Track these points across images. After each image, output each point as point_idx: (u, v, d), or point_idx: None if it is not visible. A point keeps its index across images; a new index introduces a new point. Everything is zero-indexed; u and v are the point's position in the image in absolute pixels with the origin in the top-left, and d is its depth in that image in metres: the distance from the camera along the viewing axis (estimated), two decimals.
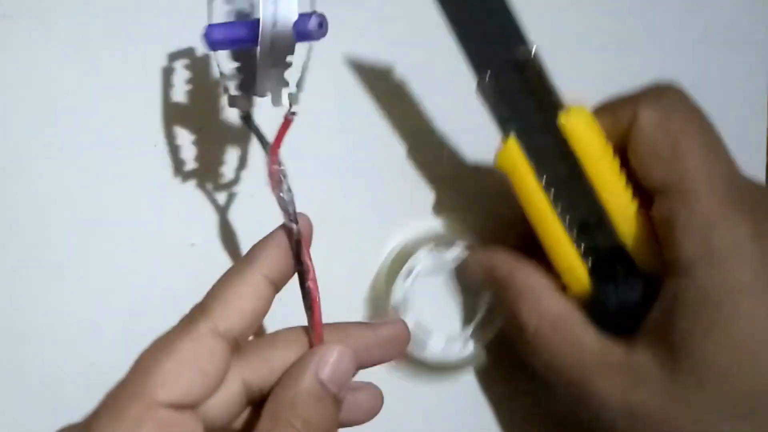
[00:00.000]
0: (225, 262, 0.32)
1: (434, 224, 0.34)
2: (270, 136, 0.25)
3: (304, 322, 0.26)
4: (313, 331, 0.26)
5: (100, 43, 0.32)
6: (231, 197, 0.32)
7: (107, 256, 0.31)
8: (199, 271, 0.31)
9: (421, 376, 0.33)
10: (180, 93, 0.32)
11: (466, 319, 0.33)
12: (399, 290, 0.32)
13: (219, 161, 0.32)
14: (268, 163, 0.25)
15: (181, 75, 0.31)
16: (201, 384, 0.24)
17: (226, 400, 0.25)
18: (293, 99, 0.25)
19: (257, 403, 0.26)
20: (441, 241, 0.32)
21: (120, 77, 0.32)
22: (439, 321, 0.32)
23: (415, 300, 0.32)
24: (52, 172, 0.31)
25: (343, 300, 0.32)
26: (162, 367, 0.23)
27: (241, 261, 0.26)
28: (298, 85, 0.25)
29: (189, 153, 0.32)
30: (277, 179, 0.25)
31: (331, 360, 0.25)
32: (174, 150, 0.32)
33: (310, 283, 0.26)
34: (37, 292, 0.31)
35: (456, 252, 0.32)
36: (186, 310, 0.30)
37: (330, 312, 0.26)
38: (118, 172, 0.32)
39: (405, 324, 0.28)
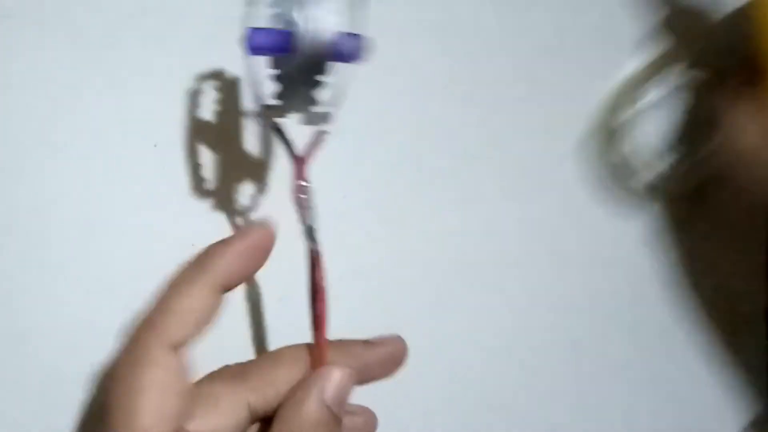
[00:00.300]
0: None
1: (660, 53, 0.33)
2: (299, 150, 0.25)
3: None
4: (318, 352, 0.26)
5: (100, 43, 0.32)
6: (234, 208, 0.32)
7: (107, 256, 0.31)
8: None
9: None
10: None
11: (687, 151, 0.34)
12: (625, 117, 0.31)
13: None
14: (294, 177, 0.24)
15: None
16: (179, 405, 0.24)
17: (232, 426, 0.25)
18: (327, 118, 0.24)
19: (262, 419, 0.26)
20: (667, 70, 0.32)
21: (120, 77, 0.32)
22: (658, 150, 0.32)
23: (640, 128, 0.32)
24: (52, 172, 0.31)
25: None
26: (139, 404, 0.23)
27: (193, 267, 0.25)
28: (334, 105, 0.23)
29: (209, 172, 0.32)
30: (300, 195, 0.25)
31: (335, 383, 0.25)
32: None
33: (319, 304, 0.25)
34: (37, 292, 0.31)
35: (682, 80, 0.32)
36: None
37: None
38: (118, 172, 0.32)
39: (403, 342, 0.28)
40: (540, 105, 0.35)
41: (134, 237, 0.32)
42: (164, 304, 0.24)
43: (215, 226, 0.32)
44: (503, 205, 0.34)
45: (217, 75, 0.31)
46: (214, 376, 0.26)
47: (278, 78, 0.24)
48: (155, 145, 0.32)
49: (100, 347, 0.31)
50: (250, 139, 0.32)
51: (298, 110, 0.24)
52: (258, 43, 0.23)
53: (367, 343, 0.28)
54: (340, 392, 0.25)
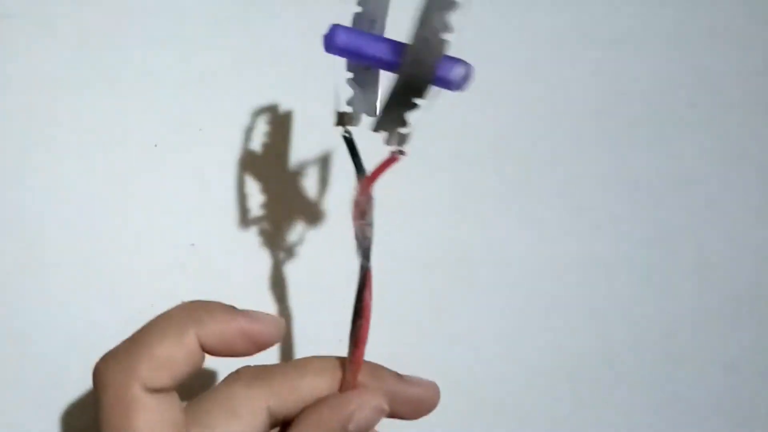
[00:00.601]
0: (225, 262, 0.32)
1: None
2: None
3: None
4: (352, 370, 0.25)
5: (100, 43, 0.32)
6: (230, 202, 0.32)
7: (107, 256, 0.31)
8: (199, 271, 0.32)
9: None
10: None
11: None
12: None
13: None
14: (358, 191, 0.23)
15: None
16: None
17: (250, 430, 0.24)
18: (405, 139, 0.22)
19: (281, 424, 0.25)
20: None
21: (120, 77, 0.32)
22: None
23: None
24: (52, 172, 0.31)
25: None
26: None
27: (186, 316, 0.24)
28: (412, 125, 0.22)
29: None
30: (361, 210, 0.23)
31: (365, 414, 0.24)
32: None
33: (363, 323, 0.25)
34: (37, 292, 0.31)
35: None
36: None
37: None
38: (118, 172, 0.32)
39: (437, 390, 0.27)
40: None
41: (134, 237, 0.32)
42: (146, 348, 0.23)
43: (216, 225, 0.32)
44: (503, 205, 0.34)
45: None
46: (233, 379, 0.25)
47: (355, 82, 0.23)
48: (155, 145, 0.32)
49: (100, 347, 0.31)
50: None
51: (384, 127, 0.22)
52: (341, 44, 0.21)
53: (401, 377, 0.26)
54: (367, 423, 0.24)
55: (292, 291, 0.32)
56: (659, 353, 0.34)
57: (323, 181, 0.33)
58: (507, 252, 0.34)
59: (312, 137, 0.32)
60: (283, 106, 0.33)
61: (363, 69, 0.23)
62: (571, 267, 0.34)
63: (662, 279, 0.34)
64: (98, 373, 0.23)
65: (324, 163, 0.33)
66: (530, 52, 0.35)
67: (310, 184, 0.33)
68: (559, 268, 0.34)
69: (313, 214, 0.32)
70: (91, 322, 0.31)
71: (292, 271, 0.32)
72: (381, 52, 0.21)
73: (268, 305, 0.32)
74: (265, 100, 0.33)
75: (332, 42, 0.21)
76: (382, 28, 0.23)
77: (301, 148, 0.32)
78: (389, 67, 0.21)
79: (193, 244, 0.32)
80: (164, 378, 0.23)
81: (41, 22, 0.31)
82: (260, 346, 0.25)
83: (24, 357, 0.30)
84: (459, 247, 0.34)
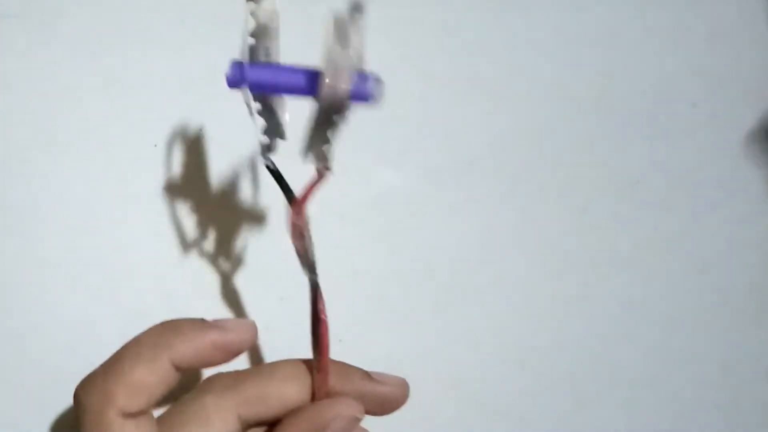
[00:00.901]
0: (225, 262, 0.32)
1: None
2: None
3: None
4: (320, 379, 0.26)
5: (100, 42, 0.32)
6: (233, 206, 0.32)
7: (107, 255, 0.31)
8: (198, 271, 0.32)
9: None
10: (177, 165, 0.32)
11: None
12: None
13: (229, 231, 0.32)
14: (292, 215, 0.24)
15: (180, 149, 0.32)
16: None
17: None
18: (328, 155, 0.23)
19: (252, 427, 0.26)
20: None
21: (120, 77, 0.32)
22: None
23: None
24: (52, 172, 0.31)
25: None
26: None
27: (158, 337, 0.24)
28: (333, 141, 0.23)
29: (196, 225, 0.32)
30: (298, 233, 0.24)
31: (341, 426, 0.25)
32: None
33: (322, 333, 0.25)
34: (36, 292, 0.31)
35: None
36: (185, 309, 0.30)
37: None
38: (118, 172, 0.32)
39: (407, 386, 0.27)
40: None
41: (134, 237, 0.32)
42: (121, 374, 0.24)
43: (215, 225, 0.32)
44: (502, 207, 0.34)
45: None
46: (205, 388, 0.26)
47: (263, 112, 0.23)
48: (155, 145, 0.32)
49: (100, 347, 0.31)
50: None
51: (309, 149, 0.23)
52: (259, 80, 0.22)
53: (368, 375, 0.27)
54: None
55: (293, 291, 0.32)
56: (659, 353, 0.34)
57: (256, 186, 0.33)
58: (507, 252, 0.34)
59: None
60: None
61: (265, 98, 0.23)
62: (571, 267, 0.34)
63: (662, 279, 0.34)
64: (78, 397, 0.24)
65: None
66: (529, 52, 0.35)
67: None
68: (559, 268, 0.34)
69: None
70: (90, 322, 0.31)
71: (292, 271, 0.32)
72: (294, 82, 0.22)
73: (266, 308, 0.32)
74: None
75: (241, 79, 0.22)
76: (277, 53, 0.23)
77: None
78: (304, 94, 0.22)
79: (193, 244, 0.32)
80: (140, 402, 0.23)
81: (41, 22, 0.31)
82: (235, 354, 0.25)
83: (23, 357, 0.30)
84: (459, 247, 0.34)
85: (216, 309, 0.31)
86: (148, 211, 0.32)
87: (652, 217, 0.35)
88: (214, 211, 0.32)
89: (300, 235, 0.24)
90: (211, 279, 0.32)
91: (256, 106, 0.23)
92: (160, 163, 0.32)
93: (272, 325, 0.30)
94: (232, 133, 0.32)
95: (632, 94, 0.36)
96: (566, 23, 0.36)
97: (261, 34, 0.23)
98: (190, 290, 0.31)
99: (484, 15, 0.35)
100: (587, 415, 0.33)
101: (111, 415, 0.23)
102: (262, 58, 0.23)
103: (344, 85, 0.21)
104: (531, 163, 0.35)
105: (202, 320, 0.25)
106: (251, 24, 0.22)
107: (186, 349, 0.24)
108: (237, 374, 0.26)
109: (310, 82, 0.22)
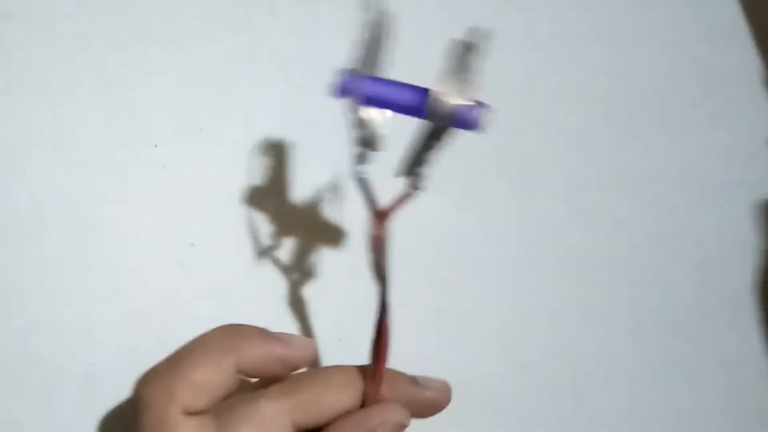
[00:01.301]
0: (224, 262, 0.32)
1: None
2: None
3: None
4: (373, 386, 0.26)
5: (100, 43, 0.32)
6: (230, 200, 0.32)
7: (107, 255, 0.31)
8: (199, 271, 0.32)
9: None
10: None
11: None
12: None
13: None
14: (373, 228, 0.24)
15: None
16: None
17: None
18: (423, 178, 0.23)
19: None
20: None
21: (120, 77, 0.32)
22: None
23: None
24: (52, 172, 0.31)
25: None
26: None
27: (223, 340, 0.25)
28: (430, 162, 0.23)
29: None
30: (379, 247, 0.24)
31: (387, 431, 0.25)
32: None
33: (383, 342, 0.26)
34: (36, 292, 0.31)
35: None
36: (185, 309, 0.30)
37: None
38: (118, 172, 0.32)
39: (450, 390, 0.28)
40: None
41: (134, 237, 0.32)
42: (186, 373, 0.24)
43: (215, 225, 0.32)
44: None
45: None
46: (260, 394, 0.26)
47: (361, 123, 0.23)
48: (155, 145, 0.32)
49: (100, 347, 0.31)
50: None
51: (409, 168, 0.23)
52: (374, 94, 0.22)
53: (415, 381, 0.28)
54: None
55: (292, 294, 0.32)
56: (659, 353, 0.34)
57: (322, 195, 0.33)
58: (507, 252, 0.34)
59: (315, 143, 0.32)
60: (285, 107, 0.33)
61: (371, 109, 0.23)
62: (571, 267, 0.34)
63: (662, 278, 0.34)
64: (139, 392, 0.24)
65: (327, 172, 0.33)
66: (532, 52, 0.35)
67: (309, 195, 0.33)
68: (559, 268, 0.34)
69: (309, 226, 0.32)
70: (91, 322, 0.31)
71: (290, 275, 0.32)
72: (405, 99, 0.22)
73: (266, 308, 0.32)
74: (265, 100, 0.33)
75: (353, 90, 0.22)
76: (383, 67, 0.23)
77: (305, 157, 0.32)
78: (413, 113, 0.22)
79: (192, 244, 0.32)
80: (202, 402, 0.24)
81: (41, 22, 0.31)
82: (294, 369, 0.26)
83: (24, 357, 0.30)
84: (459, 247, 0.34)
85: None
86: (148, 211, 0.32)
87: (652, 216, 0.35)
88: (215, 211, 0.32)
89: (379, 247, 0.24)
90: (211, 278, 0.32)
91: (356, 117, 0.23)
92: (160, 163, 0.32)
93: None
94: (231, 133, 0.32)
95: (632, 94, 0.36)
96: (566, 23, 0.36)
97: (372, 46, 0.22)
98: (191, 290, 0.31)
99: (485, 14, 0.35)
100: (587, 415, 0.33)
101: (174, 412, 0.23)
102: (369, 70, 0.23)
103: (451, 109, 0.21)
104: (531, 163, 0.35)
105: (267, 330, 0.26)
106: (364, 35, 0.22)
107: (252, 355, 0.25)
108: (293, 380, 0.26)
109: (419, 101, 0.22)
